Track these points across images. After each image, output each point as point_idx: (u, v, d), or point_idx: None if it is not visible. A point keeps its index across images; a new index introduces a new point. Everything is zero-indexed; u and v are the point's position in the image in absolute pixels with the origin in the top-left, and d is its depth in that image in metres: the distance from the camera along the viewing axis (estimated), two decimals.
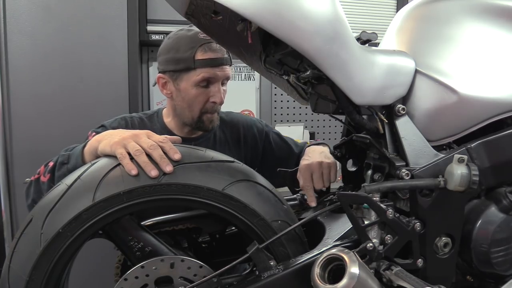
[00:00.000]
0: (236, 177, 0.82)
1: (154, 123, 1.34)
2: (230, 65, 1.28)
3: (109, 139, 0.86)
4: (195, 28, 1.24)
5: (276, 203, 0.85)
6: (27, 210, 1.00)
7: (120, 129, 0.96)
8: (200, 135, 1.34)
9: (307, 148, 1.23)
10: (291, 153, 1.40)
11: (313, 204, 1.03)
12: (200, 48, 1.20)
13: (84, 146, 0.95)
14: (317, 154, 1.12)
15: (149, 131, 0.87)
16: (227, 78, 1.27)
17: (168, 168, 0.78)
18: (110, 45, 1.98)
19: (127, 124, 1.27)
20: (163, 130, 1.31)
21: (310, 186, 1.05)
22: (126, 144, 0.82)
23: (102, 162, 0.81)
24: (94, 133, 1.15)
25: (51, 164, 1.01)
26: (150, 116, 1.36)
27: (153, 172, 0.77)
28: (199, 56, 1.20)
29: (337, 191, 0.97)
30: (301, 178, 1.08)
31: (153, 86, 1.43)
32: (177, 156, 0.80)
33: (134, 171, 0.77)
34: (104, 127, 1.23)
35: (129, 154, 0.80)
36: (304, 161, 1.10)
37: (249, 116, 1.49)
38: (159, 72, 1.29)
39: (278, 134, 1.45)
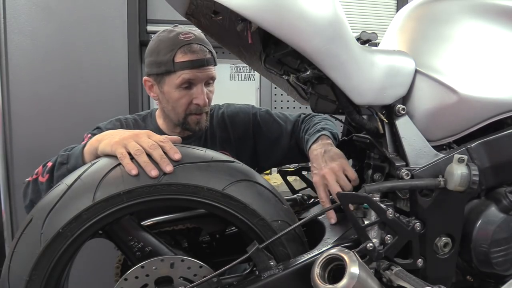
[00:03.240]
0: (236, 177, 0.82)
1: (148, 124, 1.33)
2: (214, 65, 1.25)
3: (110, 139, 0.85)
4: (177, 29, 1.23)
5: (276, 203, 0.85)
6: (25, 211, 0.99)
7: (121, 129, 0.96)
8: (191, 134, 1.33)
9: (309, 152, 1.09)
10: (282, 131, 1.35)
11: (332, 221, 0.93)
12: (179, 50, 1.18)
13: (84, 146, 0.95)
14: (321, 159, 1.00)
15: (149, 131, 0.87)
16: (212, 79, 1.25)
17: (168, 168, 0.78)
18: (110, 45, 1.99)
19: (122, 126, 1.27)
20: (156, 131, 1.29)
21: (327, 201, 0.95)
22: (126, 144, 0.82)
23: (102, 162, 0.81)
24: (89, 135, 1.15)
25: (49, 164, 1.00)
26: (144, 117, 1.36)
27: (153, 172, 0.77)
28: (179, 58, 1.18)
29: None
30: (317, 193, 0.99)
31: None
32: (177, 156, 0.80)
33: (134, 171, 0.77)
34: (99, 129, 1.22)
35: (129, 154, 0.80)
36: (314, 176, 1.00)
37: (237, 104, 1.43)
38: (146, 75, 1.28)
39: (268, 112, 1.39)
